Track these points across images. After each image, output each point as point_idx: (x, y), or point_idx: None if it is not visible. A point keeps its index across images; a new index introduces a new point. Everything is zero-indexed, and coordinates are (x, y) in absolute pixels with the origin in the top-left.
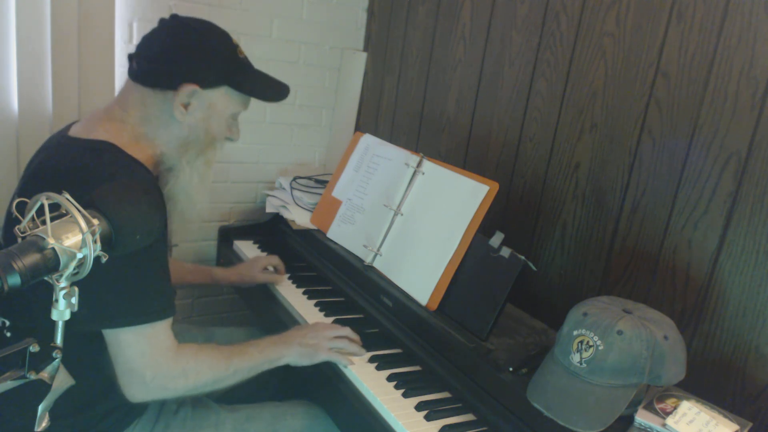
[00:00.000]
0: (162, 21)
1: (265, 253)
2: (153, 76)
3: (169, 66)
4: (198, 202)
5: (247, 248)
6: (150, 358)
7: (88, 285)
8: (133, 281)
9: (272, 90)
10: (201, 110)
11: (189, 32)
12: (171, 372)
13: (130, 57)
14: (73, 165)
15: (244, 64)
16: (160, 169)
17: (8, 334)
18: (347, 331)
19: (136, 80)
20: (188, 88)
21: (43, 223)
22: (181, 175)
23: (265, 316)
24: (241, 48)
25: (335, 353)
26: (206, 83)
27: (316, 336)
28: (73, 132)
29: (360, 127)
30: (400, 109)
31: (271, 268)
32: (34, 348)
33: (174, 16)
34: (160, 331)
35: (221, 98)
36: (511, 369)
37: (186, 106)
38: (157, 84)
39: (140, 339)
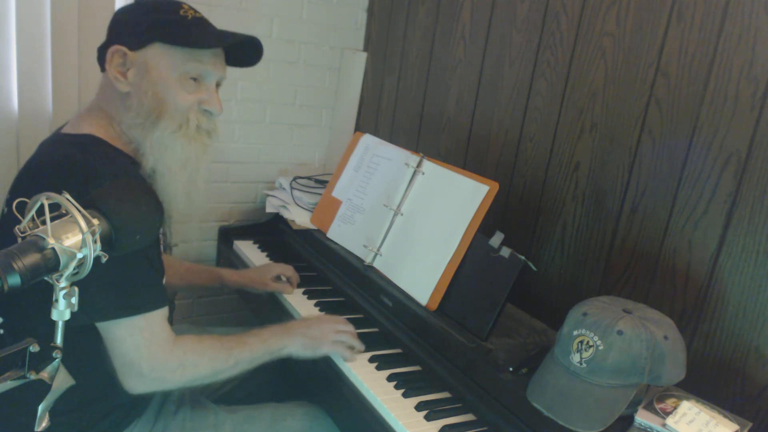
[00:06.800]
0: None
1: (265, 254)
2: (97, 56)
3: (106, 40)
4: (179, 180)
5: (247, 248)
6: (145, 351)
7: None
8: (122, 274)
9: (215, 36)
10: (140, 74)
11: (131, 5)
12: (168, 364)
13: None
14: (59, 160)
15: (186, 20)
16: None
17: (1, 331)
18: (351, 327)
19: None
20: (114, 50)
21: (43, 223)
22: (149, 153)
23: (265, 315)
24: (192, 9)
25: (340, 346)
26: (134, 44)
27: (321, 329)
28: (65, 129)
29: (360, 127)
30: (400, 109)
31: (284, 278)
32: (34, 348)
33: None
34: (154, 323)
35: (157, 56)
36: (511, 369)
37: (123, 74)
38: (99, 61)
39: (133, 332)
